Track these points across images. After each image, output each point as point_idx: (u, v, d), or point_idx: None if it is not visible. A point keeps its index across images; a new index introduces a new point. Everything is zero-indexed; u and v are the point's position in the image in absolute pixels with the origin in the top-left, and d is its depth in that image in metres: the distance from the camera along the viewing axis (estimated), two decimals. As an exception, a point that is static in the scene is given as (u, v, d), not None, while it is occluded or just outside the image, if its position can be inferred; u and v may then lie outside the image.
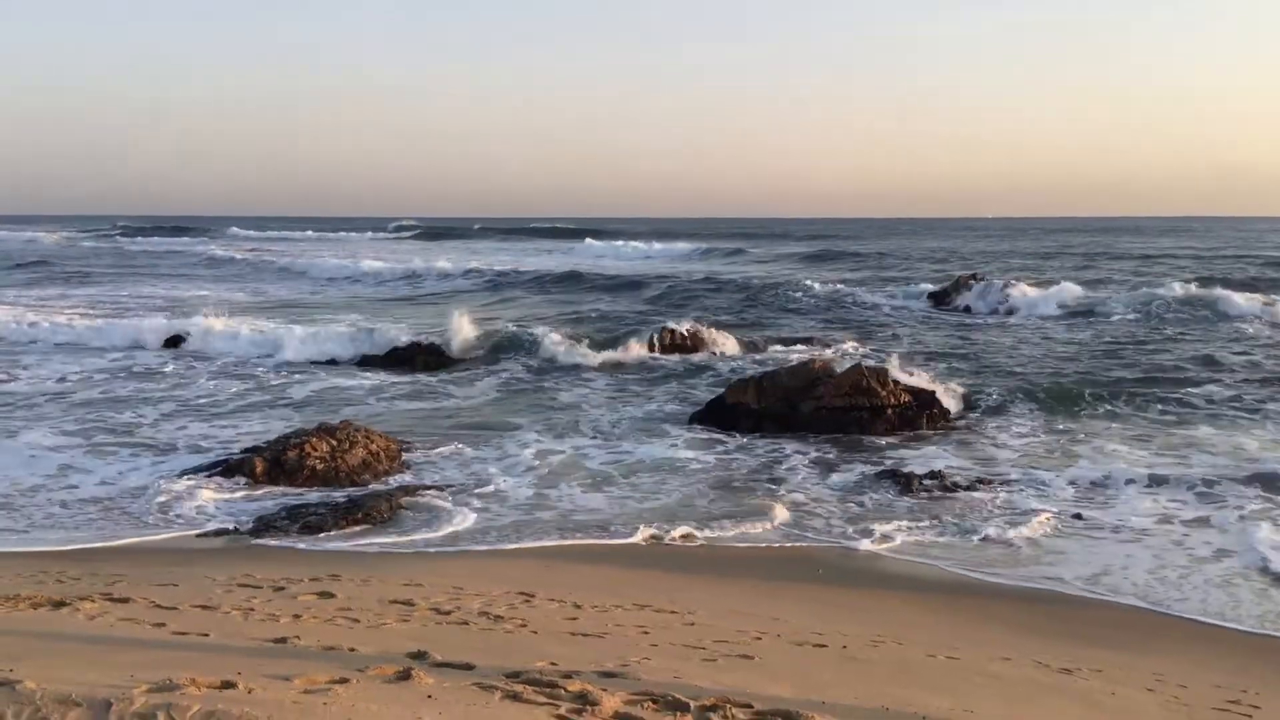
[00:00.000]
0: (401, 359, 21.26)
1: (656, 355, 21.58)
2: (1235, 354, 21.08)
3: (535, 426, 14.95)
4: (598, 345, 21.92)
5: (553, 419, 15.56)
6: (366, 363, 21.33)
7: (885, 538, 9.95)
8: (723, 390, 15.88)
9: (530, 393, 18.04)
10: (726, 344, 22.39)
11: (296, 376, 19.56)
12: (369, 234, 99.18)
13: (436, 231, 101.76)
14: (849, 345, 23.00)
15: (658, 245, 69.05)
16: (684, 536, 9.96)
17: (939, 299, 32.62)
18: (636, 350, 21.63)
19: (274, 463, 11.84)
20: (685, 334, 22.35)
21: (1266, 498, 11.09)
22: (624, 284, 39.44)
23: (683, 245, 68.96)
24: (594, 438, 14.28)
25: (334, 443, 12.17)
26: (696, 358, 21.30)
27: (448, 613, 6.72)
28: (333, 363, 21.55)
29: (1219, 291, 29.49)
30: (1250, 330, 25.09)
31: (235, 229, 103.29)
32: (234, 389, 18.24)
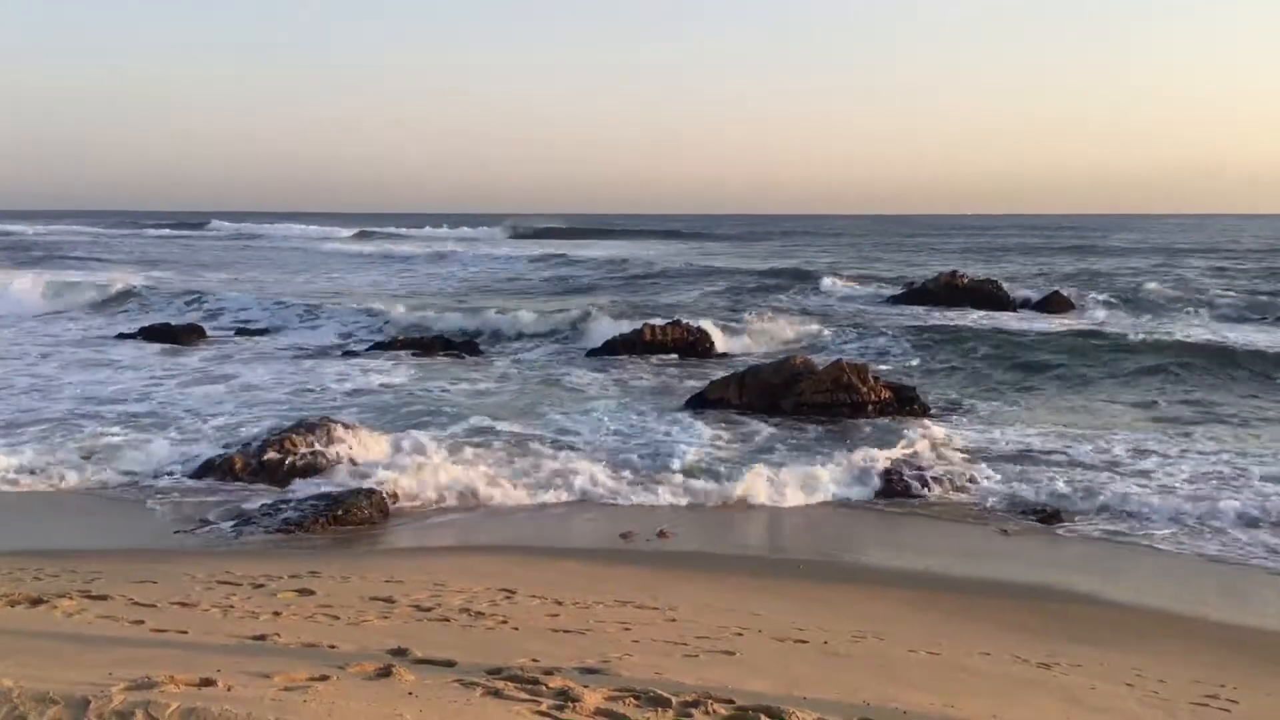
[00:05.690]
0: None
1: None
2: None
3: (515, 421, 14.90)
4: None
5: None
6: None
7: (863, 533, 9.99)
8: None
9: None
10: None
11: None
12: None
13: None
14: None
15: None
16: (663, 535, 9.97)
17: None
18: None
19: (254, 460, 11.77)
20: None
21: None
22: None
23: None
24: (574, 435, 14.24)
25: (314, 440, 12.10)
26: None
27: (428, 609, 6.70)
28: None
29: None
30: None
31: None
32: None
